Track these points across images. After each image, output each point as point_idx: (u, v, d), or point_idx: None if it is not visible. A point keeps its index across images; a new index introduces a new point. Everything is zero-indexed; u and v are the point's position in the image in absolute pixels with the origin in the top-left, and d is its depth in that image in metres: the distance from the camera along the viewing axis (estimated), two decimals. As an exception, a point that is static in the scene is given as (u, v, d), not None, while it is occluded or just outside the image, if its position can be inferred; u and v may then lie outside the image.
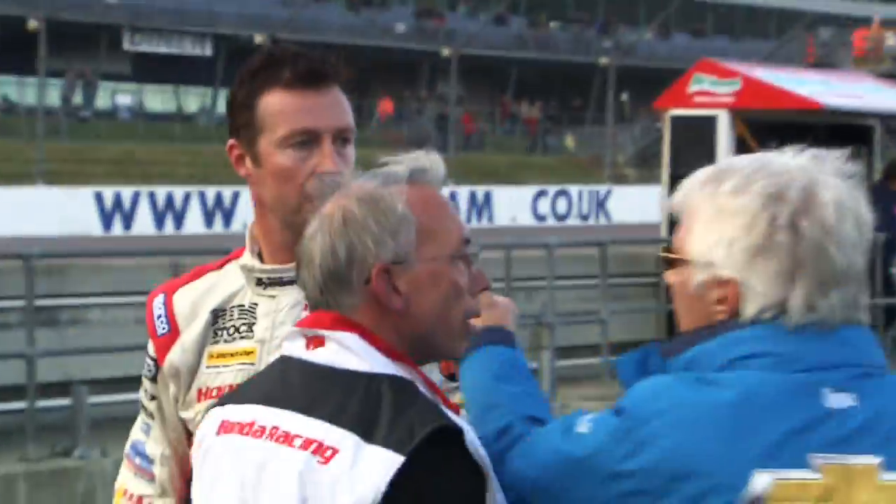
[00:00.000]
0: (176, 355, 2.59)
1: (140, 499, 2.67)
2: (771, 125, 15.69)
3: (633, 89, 48.48)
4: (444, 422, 1.95)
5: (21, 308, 10.64)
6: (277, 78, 2.46)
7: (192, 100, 47.23)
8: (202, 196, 29.35)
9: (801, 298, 2.05)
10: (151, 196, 28.85)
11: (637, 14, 54.11)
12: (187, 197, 29.18)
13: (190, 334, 2.58)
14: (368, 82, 45.50)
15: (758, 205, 2.07)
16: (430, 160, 2.12)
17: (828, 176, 2.10)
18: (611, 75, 40.30)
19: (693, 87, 16.74)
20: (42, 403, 10.27)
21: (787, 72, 19.87)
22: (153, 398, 2.65)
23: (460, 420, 2.00)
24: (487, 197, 33.87)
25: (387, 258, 2.03)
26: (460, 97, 44.89)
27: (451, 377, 2.38)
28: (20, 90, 42.51)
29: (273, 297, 2.52)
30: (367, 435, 1.94)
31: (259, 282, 2.54)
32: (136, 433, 2.70)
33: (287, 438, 1.99)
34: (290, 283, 2.47)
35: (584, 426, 2.09)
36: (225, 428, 2.08)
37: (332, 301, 2.05)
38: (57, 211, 26.42)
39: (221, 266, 2.64)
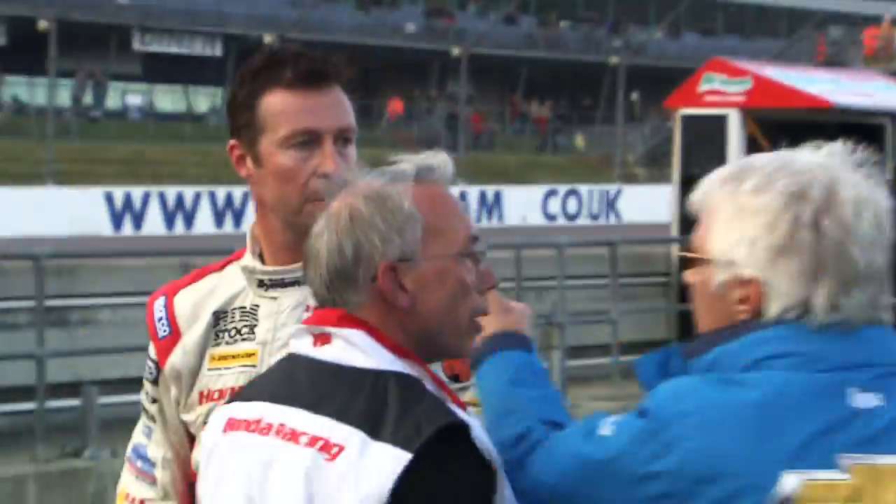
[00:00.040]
0: (177, 358, 2.58)
1: (142, 502, 2.66)
2: (782, 124, 15.68)
3: (643, 88, 48.40)
4: (451, 418, 1.94)
5: (31, 308, 10.67)
6: (279, 78, 2.45)
7: (203, 100, 47.23)
8: (212, 196, 29.31)
9: (825, 298, 2.04)
10: (162, 196, 28.82)
11: (647, 13, 54.05)
12: (197, 197, 29.15)
13: (191, 336, 2.57)
14: (378, 82, 45.51)
15: (780, 203, 2.06)
16: (438, 159, 2.12)
17: (849, 174, 2.09)
18: (621, 75, 40.26)
19: (703, 87, 16.74)
20: (52, 404, 10.29)
21: (797, 71, 19.87)
22: (154, 401, 2.64)
23: (467, 416, 1.98)
24: (497, 197, 33.81)
25: (393, 256, 2.02)
26: (470, 97, 44.85)
27: (455, 378, 2.37)
28: (30, 90, 42.56)
29: (275, 298, 2.51)
30: (374, 432, 1.93)
31: (260, 283, 2.52)
32: (137, 436, 2.69)
33: (293, 436, 1.98)
34: (292, 284, 2.46)
35: (606, 429, 2.07)
36: (231, 425, 2.08)
37: (338, 299, 2.05)
38: (67, 211, 26.38)
39: (222, 267, 2.62)
